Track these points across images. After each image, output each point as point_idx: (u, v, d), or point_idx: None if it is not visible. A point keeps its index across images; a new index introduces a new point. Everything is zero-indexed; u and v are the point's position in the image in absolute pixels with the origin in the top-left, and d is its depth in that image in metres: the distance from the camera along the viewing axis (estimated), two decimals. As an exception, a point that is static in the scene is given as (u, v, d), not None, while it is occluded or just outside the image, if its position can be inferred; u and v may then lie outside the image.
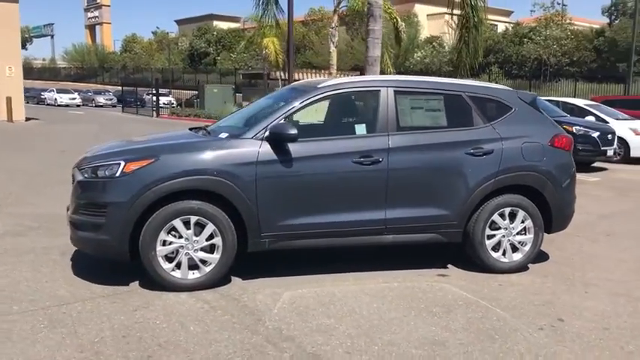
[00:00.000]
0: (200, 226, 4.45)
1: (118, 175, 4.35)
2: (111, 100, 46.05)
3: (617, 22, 39.84)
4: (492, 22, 45.56)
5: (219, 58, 57.69)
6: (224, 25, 67.29)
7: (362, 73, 16.48)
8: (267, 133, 4.57)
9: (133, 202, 4.29)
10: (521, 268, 5.20)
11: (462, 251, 5.24)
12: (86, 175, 4.50)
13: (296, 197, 4.62)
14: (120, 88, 42.41)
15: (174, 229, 4.40)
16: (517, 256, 5.18)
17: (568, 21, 41.58)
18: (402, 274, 5.04)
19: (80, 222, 4.47)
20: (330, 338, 3.73)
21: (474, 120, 5.13)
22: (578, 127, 12.41)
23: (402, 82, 5.13)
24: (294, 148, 4.57)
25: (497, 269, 5.12)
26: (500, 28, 49.04)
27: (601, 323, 4.11)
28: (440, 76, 41.00)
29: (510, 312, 4.26)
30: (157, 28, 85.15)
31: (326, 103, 4.82)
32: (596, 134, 12.46)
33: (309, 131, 4.88)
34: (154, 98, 32.89)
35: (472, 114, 5.14)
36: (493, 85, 5.66)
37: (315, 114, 5.54)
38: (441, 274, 5.09)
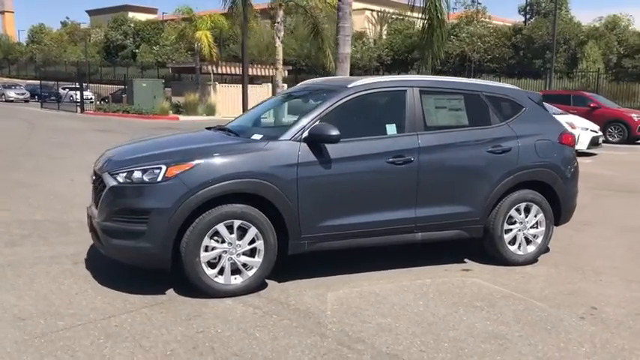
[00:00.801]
0: (242, 230, 4.35)
1: (159, 179, 4.17)
2: (23, 94, 43.31)
3: (532, 20, 42.05)
4: (415, 18, 46.82)
5: (138, 51, 55.67)
6: (141, 17, 65.03)
7: (327, 72, 16.60)
8: (305, 135, 4.53)
9: (176, 208, 4.13)
10: (533, 260, 5.46)
11: (480, 246, 5.41)
12: (121, 180, 4.27)
13: (334, 198, 4.62)
14: (30, 81, 39.88)
15: (216, 233, 4.28)
16: (530, 249, 5.44)
17: (487, 19, 43.53)
18: (429, 271, 5.16)
19: (115, 229, 4.24)
20: (398, 338, 3.77)
21: (491, 119, 5.32)
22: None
23: (427, 82, 5.23)
24: (331, 149, 4.56)
25: (513, 262, 5.35)
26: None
27: (631, 309, 4.40)
28: (368, 71, 41.83)
29: (546, 302, 4.47)
30: (67, 18, 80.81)
31: (357, 103, 4.82)
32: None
33: (342, 132, 4.87)
34: (71, 93, 31.14)
35: (489, 113, 5.33)
36: (505, 84, 5.88)
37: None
38: (465, 269, 5.25)
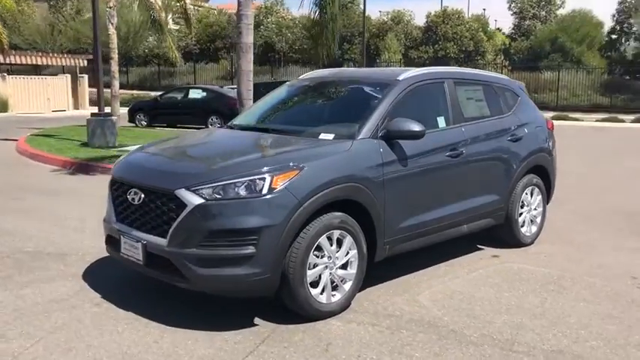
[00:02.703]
0: (338, 241, 3.90)
1: (265, 192, 3.51)
2: None
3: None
4: (218, 7, 46.22)
5: None
6: None
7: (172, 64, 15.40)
8: (383, 132, 4.21)
9: (286, 224, 3.53)
10: (535, 239, 5.83)
11: (495, 231, 5.58)
12: (209, 197, 3.49)
13: (410, 197, 4.39)
14: None
15: (317, 248, 3.77)
16: (533, 229, 5.79)
17: (286, 11, 44.70)
18: (469, 261, 5.18)
19: (209, 257, 3.47)
20: (519, 332, 3.72)
21: (502, 109, 5.52)
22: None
23: (457, 73, 5.23)
24: (405, 146, 4.31)
25: (524, 243, 5.64)
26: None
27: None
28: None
29: (594, 278, 4.79)
30: None
31: (411, 96, 4.59)
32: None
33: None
34: None
35: (501, 103, 5.52)
36: (501, 75, 6.11)
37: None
38: (495, 255, 5.39)
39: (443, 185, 4.69)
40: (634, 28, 40.20)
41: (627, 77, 35.40)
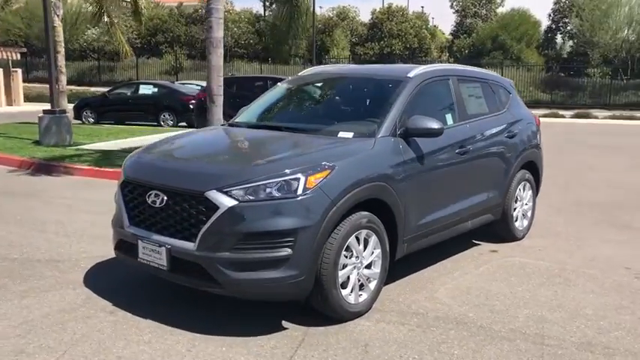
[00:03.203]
0: (364, 241, 3.86)
1: (300, 192, 3.42)
2: None
3: (273, 6, 43.70)
4: (156, 0, 45.01)
5: None
6: None
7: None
8: (402, 130, 4.19)
9: (321, 225, 3.46)
10: (527, 233, 5.98)
11: (491, 226, 5.68)
12: (244, 198, 3.37)
13: (427, 194, 4.40)
14: None
15: (346, 248, 3.71)
16: (525, 223, 5.93)
17: (230, 5, 44.00)
18: (471, 257, 5.25)
19: (244, 260, 3.35)
20: (544, 325, 3.79)
21: (498, 106, 5.61)
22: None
23: (459, 71, 5.26)
24: (422, 143, 4.31)
25: (517, 238, 5.77)
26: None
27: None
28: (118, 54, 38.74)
29: (593, 270, 4.95)
30: None
31: (422, 94, 4.58)
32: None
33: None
34: None
35: (496, 100, 5.62)
36: (493, 72, 6.20)
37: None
38: (493, 250, 5.49)
39: (454, 182, 4.74)
40: (569, 27, 41.97)
41: (562, 74, 36.94)
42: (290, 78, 5.51)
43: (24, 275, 4.53)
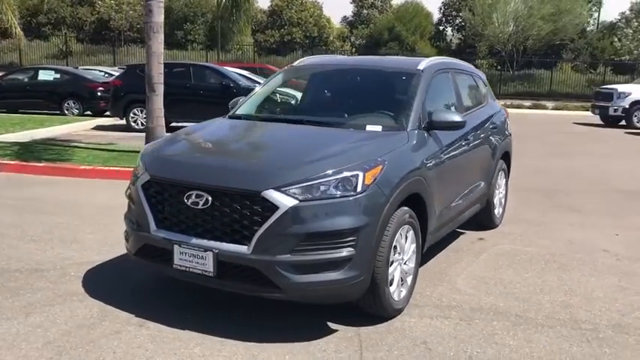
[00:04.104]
0: (405, 237, 3.81)
1: (359, 189, 3.29)
2: None
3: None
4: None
5: None
6: None
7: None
8: (425, 122, 4.17)
9: (378, 222, 3.37)
10: (501, 220, 6.23)
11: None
12: (304, 197, 3.18)
13: (446, 186, 4.42)
14: None
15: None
16: (500, 211, 6.18)
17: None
18: (465, 244, 5.38)
19: (308, 263, 3.17)
20: (570, 310, 3.96)
21: (480, 98, 5.77)
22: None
23: (454, 64, 5.32)
24: (442, 136, 4.33)
25: (495, 225, 6.00)
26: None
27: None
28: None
29: (578, 254, 5.24)
30: None
31: (431, 87, 4.58)
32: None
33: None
34: None
35: (480, 92, 5.77)
36: (470, 64, 6.31)
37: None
38: (480, 238, 5.65)
39: (463, 173, 4.83)
40: (458, 20, 44.21)
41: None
42: (286, 68, 5.28)
43: (11, 289, 4.02)
